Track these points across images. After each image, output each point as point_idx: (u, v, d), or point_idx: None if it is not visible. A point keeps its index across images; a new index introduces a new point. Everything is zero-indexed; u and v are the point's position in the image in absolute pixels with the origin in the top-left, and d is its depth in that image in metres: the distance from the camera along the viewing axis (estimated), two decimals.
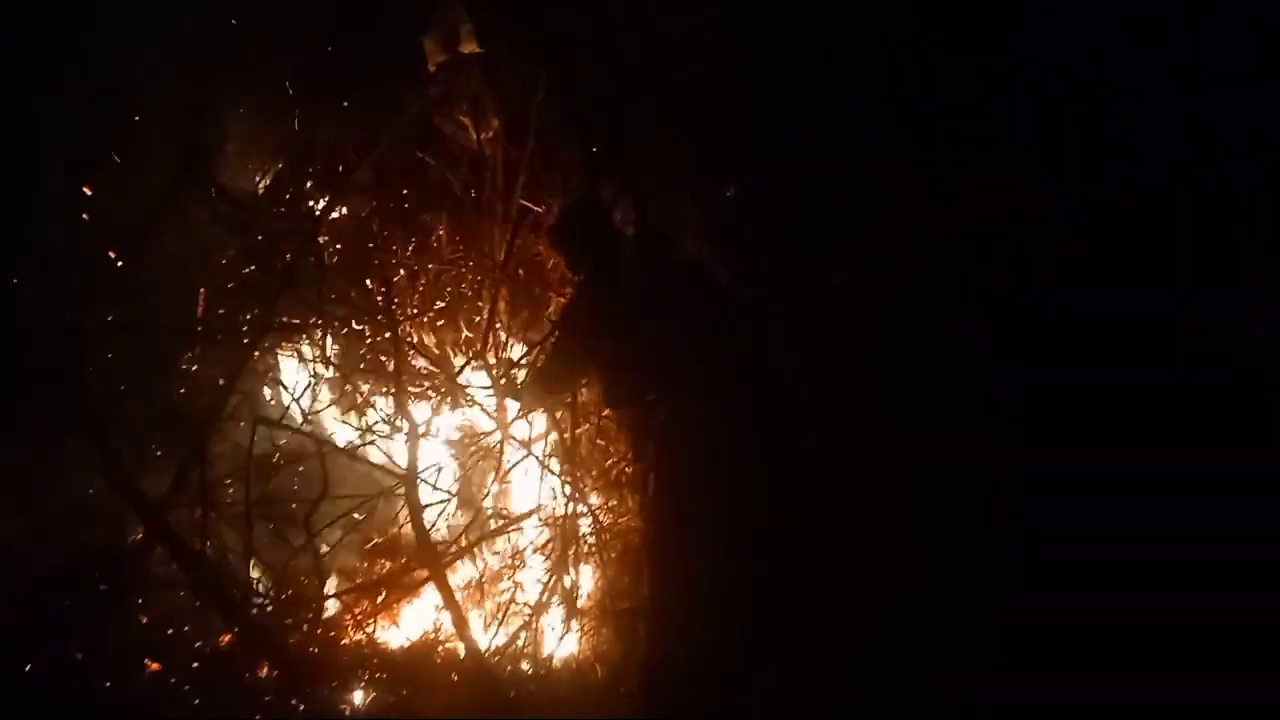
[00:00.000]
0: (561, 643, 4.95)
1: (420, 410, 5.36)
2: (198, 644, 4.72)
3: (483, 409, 5.30)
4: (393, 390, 5.27)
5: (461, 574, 5.21)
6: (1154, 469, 1.71)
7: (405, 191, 5.72)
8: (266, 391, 5.48)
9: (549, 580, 5.06)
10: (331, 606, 5.00)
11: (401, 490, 4.94)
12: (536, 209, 5.41)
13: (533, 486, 5.28)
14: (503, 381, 5.16)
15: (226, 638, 4.71)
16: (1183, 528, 1.72)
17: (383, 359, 5.42)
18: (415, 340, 5.43)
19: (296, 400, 5.25)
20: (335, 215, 5.48)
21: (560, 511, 5.13)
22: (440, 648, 4.82)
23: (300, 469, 5.22)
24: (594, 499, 5.22)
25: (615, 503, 5.18)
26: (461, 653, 4.55)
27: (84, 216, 4.84)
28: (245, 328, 5.07)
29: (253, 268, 5.43)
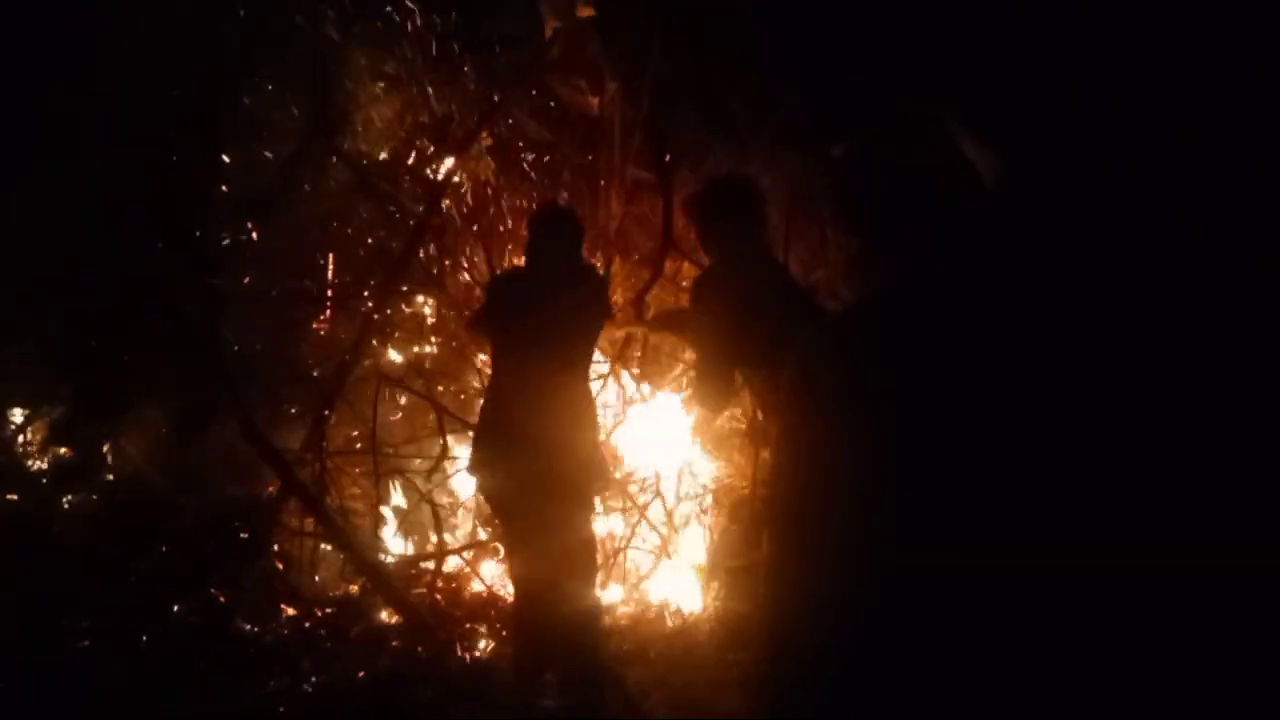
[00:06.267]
0: (677, 598, 5.02)
1: None
2: (330, 592, 4.98)
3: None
4: None
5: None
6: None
7: (525, 157, 5.82)
8: (392, 353, 5.69)
9: (664, 537, 5.12)
10: (454, 560, 5.20)
11: None
12: (648, 175, 5.39)
13: (648, 446, 5.33)
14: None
15: (356, 586, 4.95)
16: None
17: None
18: None
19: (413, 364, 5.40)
20: (456, 180, 5.60)
21: (675, 470, 5.17)
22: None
23: (425, 429, 5.42)
24: (708, 458, 5.25)
25: (727, 462, 5.19)
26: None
27: (222, 188, 5.12)
28: (368, 291, 5.27)
29: (380, 234, 5.63)
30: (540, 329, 3.79)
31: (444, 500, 5.25)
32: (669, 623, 4.88)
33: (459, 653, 4.55)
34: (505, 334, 3.90)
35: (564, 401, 3.78)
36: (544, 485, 3.64)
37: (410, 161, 5.60)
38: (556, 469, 3.66)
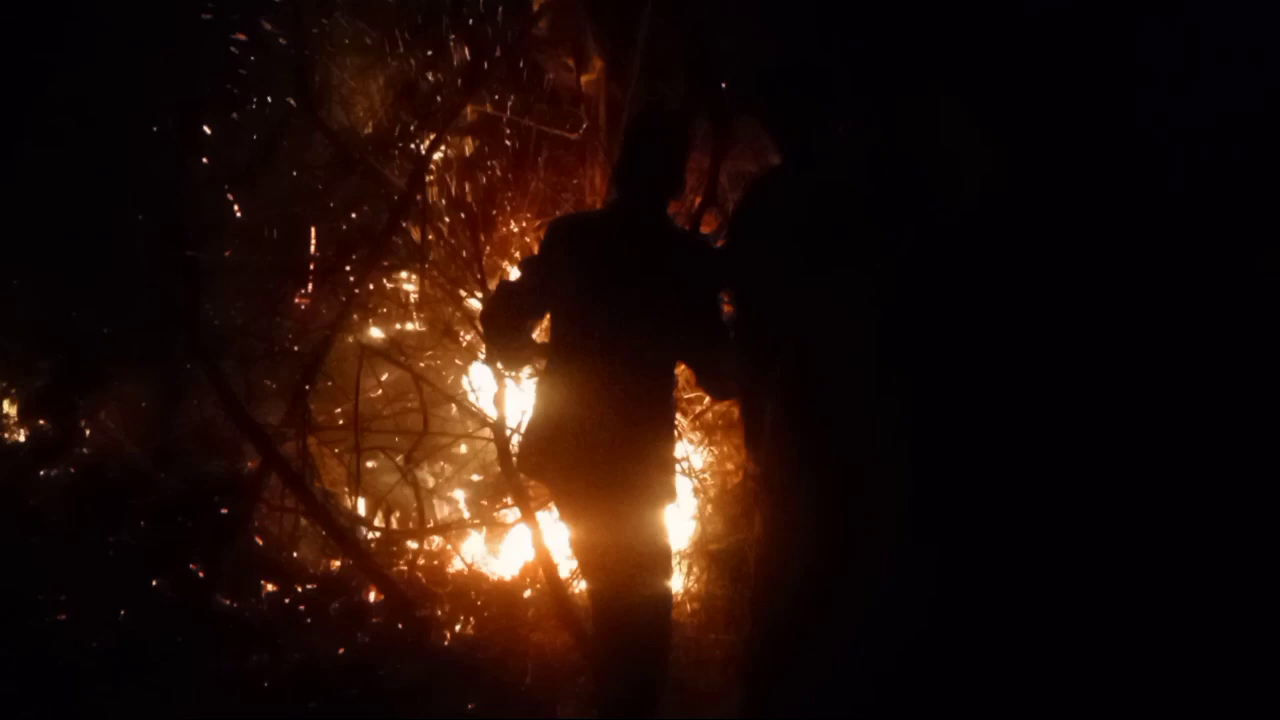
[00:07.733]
0: None
1: None
2: (310, 568, 4.97)
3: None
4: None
5: None
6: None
7: (508, 132, 5.76)
8: (374, 330, 5.64)
9: None
10: (436, 538, 5.18)
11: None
12: None
13: None
14: None
15: (337, 562, 4.94)
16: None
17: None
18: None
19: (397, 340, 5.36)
20: (439, 155, 5.54)
21: None
22: (533, 585, 4.89)
23: (406, 406, 5.39)
24: (691, 441, 5.24)
25: (711, 446, 5.18)
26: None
27: (203, 160, 5.05)
28: (350, 266, 5.22)
29: (363, 208, 5.58)
30: (626, 299, 2.97)
31: (428, 478, 5.22)
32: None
33: (440, 630, 4.56)
34: (574, 302, 3.06)
35: (652, 394, 3.10)
36: (621, 492, 3.11)
37: (394, 135, 5.54)
38: (638, 475, 3.11)
